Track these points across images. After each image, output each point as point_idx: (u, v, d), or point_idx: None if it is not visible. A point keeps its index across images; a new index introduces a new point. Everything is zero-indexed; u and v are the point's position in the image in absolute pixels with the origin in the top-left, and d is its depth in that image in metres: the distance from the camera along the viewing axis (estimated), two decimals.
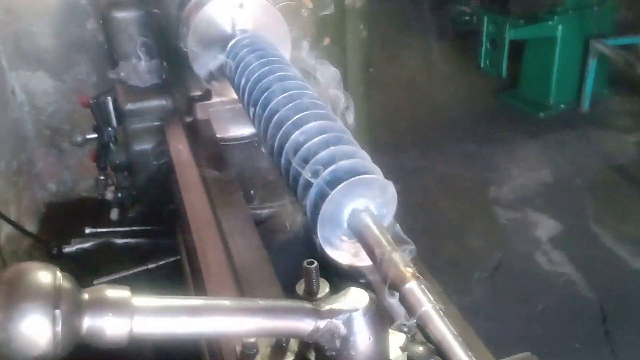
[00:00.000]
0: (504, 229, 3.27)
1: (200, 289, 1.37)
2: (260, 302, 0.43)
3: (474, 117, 4.41)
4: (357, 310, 0.42)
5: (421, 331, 0.66)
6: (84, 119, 3.12)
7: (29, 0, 2.90)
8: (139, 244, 1.80)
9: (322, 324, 0.42)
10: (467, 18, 5.31)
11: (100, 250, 1.76)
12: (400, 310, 0.63)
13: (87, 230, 1.75)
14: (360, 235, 0.78)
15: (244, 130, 1.71)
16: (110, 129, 1.81)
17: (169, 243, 1.78)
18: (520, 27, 3.99)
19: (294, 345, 0.58)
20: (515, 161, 3.84)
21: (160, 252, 1.79)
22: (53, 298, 0.39)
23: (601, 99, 4.53)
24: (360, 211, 0.79)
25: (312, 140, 0.86)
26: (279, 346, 0.57)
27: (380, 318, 0.44)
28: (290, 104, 0.98)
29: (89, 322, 0.40)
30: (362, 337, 0.43)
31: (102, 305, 0.40)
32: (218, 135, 1.66)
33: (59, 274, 0.41)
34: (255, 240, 1.24)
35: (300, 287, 0.53)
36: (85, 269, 1.78)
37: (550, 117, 4.38)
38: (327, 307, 0.43)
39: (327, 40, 1.75)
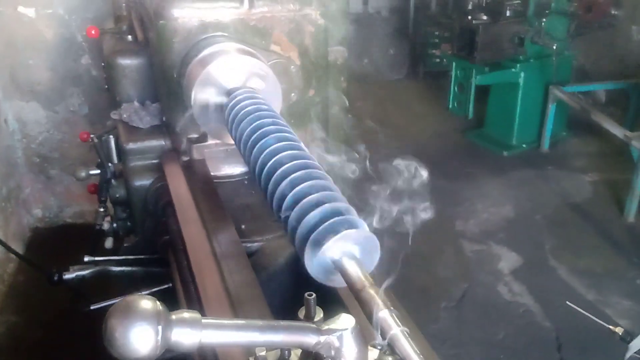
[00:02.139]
0: (469, 261, 3.50)
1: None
2: (282, 322, 0.62)
3: (443, 154, 4.69)
4: (347, 329, 0.61)
5: (391, 350, 0.85)
6: (72, 148, 3.27)
7: (28, 36, 3.06)
8: (133, 272, 1.94)
9: (322, 338, 0.61)
10: (437, 61, 5.67)
11: (96, 277, 1.89)
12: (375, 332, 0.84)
13: (86, 259, 1.88)
14: (343, 272, 0.98)
15: (235, 169, 1.89)
16: (110, 165, 1.97)
17: (161, 271, 1.93)
18: (486, 74, 4.32)
19: (294, 356, 0.76)
20: (480, 197, 4.11)
21: (153, 279, 1.93)
22: (156, 318, 0.57)
23: (560, 140, 4.88)
24: (344, 254, 0.99)
25: (304, 201, 1.05)
26: (282, 359, 0.75)
27: (362, 336, 0.63)
28: (290, 163, 1.18)
29: (175, 334, 0.58)
30: (350, 349, 0.62)
31: (183, 323, 0.58)
32: (212, 173, 1.84)
33: (157, 302, 0.59)
34: (247, 269, 1.42)
35: (301, 313, 0.72)
36: (83, 294, 1.91)
37: (513, 156, 4.69)
38: (326, 327, 0.62)
39: (312, 92, 1.97)
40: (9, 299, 2.92)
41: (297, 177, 1.18)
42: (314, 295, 0.68)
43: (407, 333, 0.92)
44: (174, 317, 0.59)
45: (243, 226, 1.67)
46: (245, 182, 1.88)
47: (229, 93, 1.60)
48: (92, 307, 1.85)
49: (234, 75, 1.62)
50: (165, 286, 1.94)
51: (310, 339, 0.60)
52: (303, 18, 1.85)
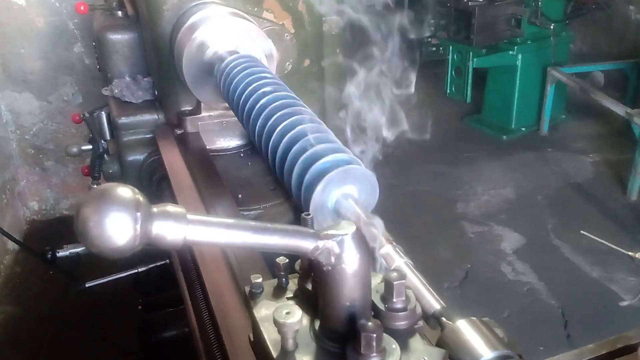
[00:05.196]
0: (471, 242, 3.46)
1: (194, 285, 1.48)
2: (277, 225, 0.58)
3: (442, 140, 4.65)
4: (347, 234, 0.57)
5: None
6: (68, 138, 3.22)
7: (19, 25, 3.02)
8: None
9: (321, 244, 0.56)
10: (433, 49, 5.64)
11: (91, 255, 1.85)
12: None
13: None
14: (341, 214, 0.95)
15: (230, 142, 1.85)
16: (103, 141, 1.93)
17: (157, 248, 1.89)
18: (483, 56, 4.28)
19: (292, 285, 0.72)
20: (481, 180, 4.07)
21: (150, 256, 1.89)
22: (134, 205, 0.53)
23: (559, 123, 4.84)
24: (345, 195, 0.96)
25: (291, 152, 1.02)
26: (279, 286, 0.71)
27: (364, 242, 0.59)
28: (287, 116, 1.14)
29: (157, 227, 0.53)
30: (351, 255, 0.57)
31: (166, 216, 0.54)
32: (207, 147, 1.80)
33: (136, 190, 0.55)
34: None
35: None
36: (78, 272, 1.87)
37: (513, 140, 4.65)
38: (325, 232, 0.57)
39: (307, 62, 1.92)
40: (6, 290, 2.87)
41: (285, 127, 1.15)
42: (312, 215, 0.64)
43: (411, 265, 0.89)
44: (155, 209, 0.54)
45: (240, 195, 1.63)
46: (241, 155, 1.85)
47: (223, 59, 1.57)
48: (87, 285, 1.81)
49: (225, 38, 1.59)
50: (162, 262, 1.90)
51: (308, 244, 0.56)
52: None
